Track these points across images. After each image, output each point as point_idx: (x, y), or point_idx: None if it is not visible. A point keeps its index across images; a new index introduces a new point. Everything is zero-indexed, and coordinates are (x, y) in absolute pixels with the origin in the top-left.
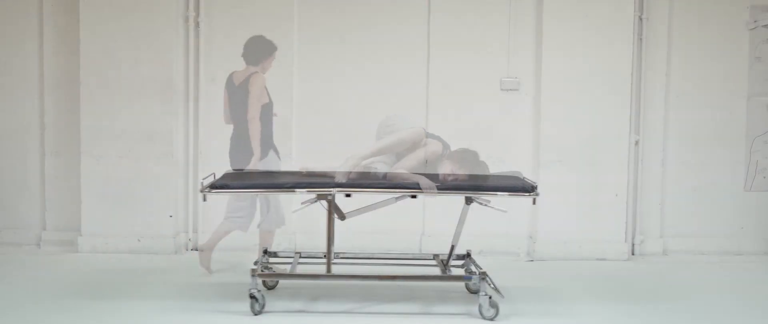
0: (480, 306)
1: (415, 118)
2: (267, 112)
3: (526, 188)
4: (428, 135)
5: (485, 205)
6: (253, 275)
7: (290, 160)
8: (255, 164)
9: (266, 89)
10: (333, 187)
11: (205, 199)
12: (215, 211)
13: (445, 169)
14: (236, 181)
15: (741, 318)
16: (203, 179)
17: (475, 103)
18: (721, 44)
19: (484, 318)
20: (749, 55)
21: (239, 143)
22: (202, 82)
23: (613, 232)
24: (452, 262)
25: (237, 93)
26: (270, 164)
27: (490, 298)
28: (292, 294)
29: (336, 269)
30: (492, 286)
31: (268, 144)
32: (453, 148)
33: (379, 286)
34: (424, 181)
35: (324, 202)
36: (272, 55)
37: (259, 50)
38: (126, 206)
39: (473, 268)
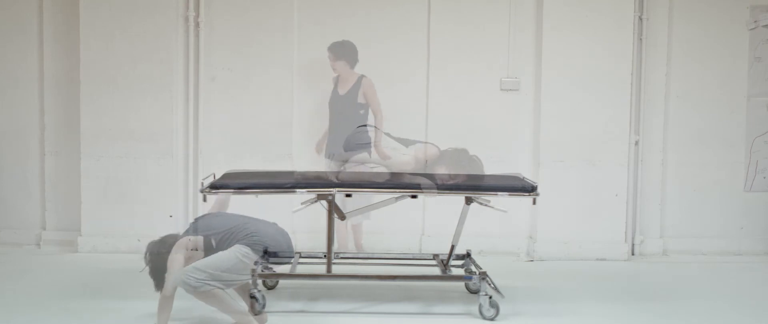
0: (480, 306)
1: (414, 117)
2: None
3: (526, 188)
4: (426, 143)
5: (485, 205)
6: (253, 275)
7: (290, 160)
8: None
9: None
10: (333, 187)
11: (205, 200)
12: None
13: (441, 171)
14: (236, 181)
15: (741, 318)
16: (203, 179)
17: (475, 103)
18: (721, 44)
19: (484, 318)
20: (749, 55)
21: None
22: (202, 82)
23: (613, 232)
24: (452, 262)
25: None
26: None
27: (490, 298)
28: (292, 294)
29: (336, 269)
30: (492, 286)
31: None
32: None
33: (379, 286)
34: (424, 182)
35: (324, 202)
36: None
37: None
38: (126, 206)
39: (473, 268)
